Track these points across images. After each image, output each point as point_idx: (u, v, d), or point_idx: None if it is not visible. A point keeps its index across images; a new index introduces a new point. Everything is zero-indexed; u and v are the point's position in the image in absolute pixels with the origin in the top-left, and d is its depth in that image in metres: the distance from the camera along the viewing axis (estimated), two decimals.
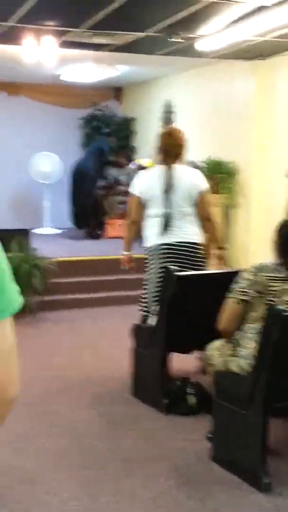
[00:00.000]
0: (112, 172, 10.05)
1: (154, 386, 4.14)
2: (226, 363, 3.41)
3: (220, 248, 4.67)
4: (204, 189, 4.49)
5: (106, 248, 8.54)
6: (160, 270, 4.34)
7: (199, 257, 4.47)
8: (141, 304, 4.57)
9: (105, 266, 7.63)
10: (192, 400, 4.04)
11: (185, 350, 4.37)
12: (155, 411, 4.07)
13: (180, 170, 4.44)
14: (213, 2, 5.18)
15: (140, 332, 4.41)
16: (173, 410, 4.03)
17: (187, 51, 6.79)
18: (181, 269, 4.21)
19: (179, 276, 4.08)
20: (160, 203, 4.37)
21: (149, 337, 4.23)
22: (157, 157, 4.54)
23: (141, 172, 4.71)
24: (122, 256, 4.82)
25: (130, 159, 10.08)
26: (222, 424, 3.37)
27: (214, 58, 7.42)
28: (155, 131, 9.99)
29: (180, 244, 4.39)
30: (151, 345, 4.20)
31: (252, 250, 7.58)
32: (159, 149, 4.47)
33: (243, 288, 3.33)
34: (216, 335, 3.53)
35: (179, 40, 5.98)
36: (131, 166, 9.68)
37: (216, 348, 3.55)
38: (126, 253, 4.77)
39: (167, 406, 4.03)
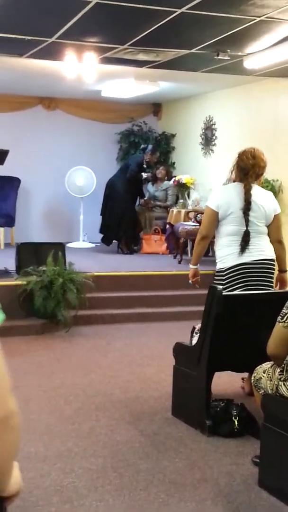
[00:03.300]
0: (149, 188, 10.01)
1: (197, 407, 4.05)
2: (276, 387, 3.32)
3: (284, 271, 4.62)
4: (279, 211, 4.53)
5: (142, 263, 8.49)
6: (240, 290, 4.33)
7: (273, 274, 4.49)
8: None
9: (141, 281, 7.59)
10: (236, 422, 3.95)
11: (230, 370, 4.29)
12: (197, 432, 3.99)
13: (257, 190, 4.47)
14: (263, 21, 5.15)
15: (182, 350, 4.34)
16: (216, 431, 3.95)
17: (233, 68, 6.75)
18: (259, 287, 4.28)
19: (224, 295, 4.02)
20: (239, 221, 4.37)
21: (192, 356, 4.15)
22: (235, 175, 4.51)
23: (219, 188, 4.67)
24: (190, 270, 4.72)
25: (169, 175, 10.05)
26: (270, 449, 3.28)
27: (260, 76, 7.37)
28: (194, 148, 10.06)
29: (258, 262, 4.39)
30: (195, 365, 4.12)
31: None
32: (240, 167, 4.45)
33: None
34: (264, 357, 3.44)
35: (226, 57, 5.94)
36: (170, 182, 9.64)
37: (264, 371, 3.47)
38: (194, 266, 4.70)
39: (210, 427, 3.95)
